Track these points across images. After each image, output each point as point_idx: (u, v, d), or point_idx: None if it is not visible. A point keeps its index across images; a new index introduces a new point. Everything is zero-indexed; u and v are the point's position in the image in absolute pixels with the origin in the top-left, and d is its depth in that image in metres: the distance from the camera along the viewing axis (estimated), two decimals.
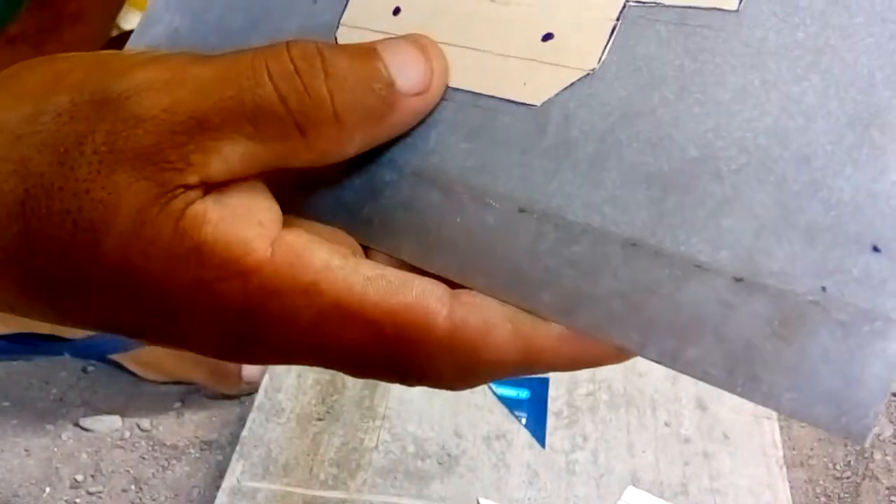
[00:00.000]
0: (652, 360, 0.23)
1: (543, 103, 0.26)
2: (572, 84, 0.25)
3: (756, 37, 0.23)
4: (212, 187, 0.24)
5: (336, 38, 0.30)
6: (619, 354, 0.24)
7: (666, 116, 0.24)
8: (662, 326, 0.23)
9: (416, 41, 0.26)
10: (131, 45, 0.35)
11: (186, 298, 0.23)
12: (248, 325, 0.24)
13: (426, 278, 0.25)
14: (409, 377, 0.25)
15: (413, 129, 0.27)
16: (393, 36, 0.26)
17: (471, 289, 0.25)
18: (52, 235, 0.24)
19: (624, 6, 0.25)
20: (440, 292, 0.25)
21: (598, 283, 0.24)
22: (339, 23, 0.30)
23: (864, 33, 0.22)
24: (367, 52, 0.25)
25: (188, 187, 0.23)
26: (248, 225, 0.24)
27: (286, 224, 0.25)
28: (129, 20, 1.38)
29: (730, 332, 0.22)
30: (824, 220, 0.21)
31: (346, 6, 0.30)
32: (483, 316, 0.24)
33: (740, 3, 0.24)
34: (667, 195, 0.23)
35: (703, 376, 0.23)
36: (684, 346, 0.22)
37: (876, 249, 0.20)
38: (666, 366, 0.23)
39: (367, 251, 0.28)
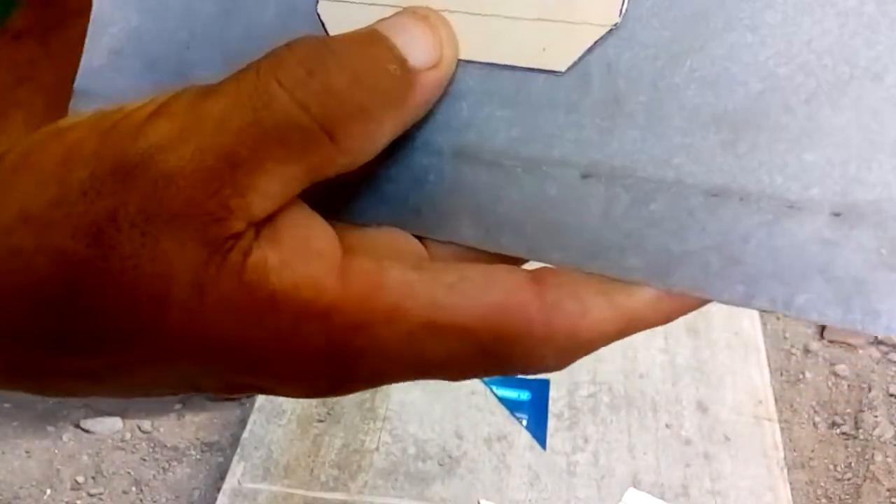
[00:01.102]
0: (763, 310, 0.22)
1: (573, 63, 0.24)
2: (597, 42, 0.24)
3: None
4: (261, 225, 0.23)
5: (319, 15, 0.28)
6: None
7: (718, 50, 0.22)
8: (766, 275, 0.22)
9: (415, 13, 0.25)
10: (88, 55, 0.33)
11: (268, 352, 0.22)
12: (338, 365, 0.23)
13: (506, 267, 0.24)
14: (511, 371, 0.24)
15: (439, 106, 0.26)
16: (381, 6, 0.25)
17: (546, 264, 0.24)
18: (105, 324, 0.22)
19: None
20: (525, 281, 0.23)
21: (686, 241, 0.22)
22: None
23: None
24: (370, 36, 0.24)
25: (238, 236, 0.22)
26: (310, 260, 0.22)
27: (340, 239, 0.24)
28: None
29: (837, 269, 0.21)
30: None
31: None
32: (575, 296, 0.23)
33: None
34: (739, 136, 0.22)
35: (820, 318, 0.22)
36: (794, 292, 0.21)
37: None
38: (779, 313, 0.22)
39: (423, 241, 0.26)
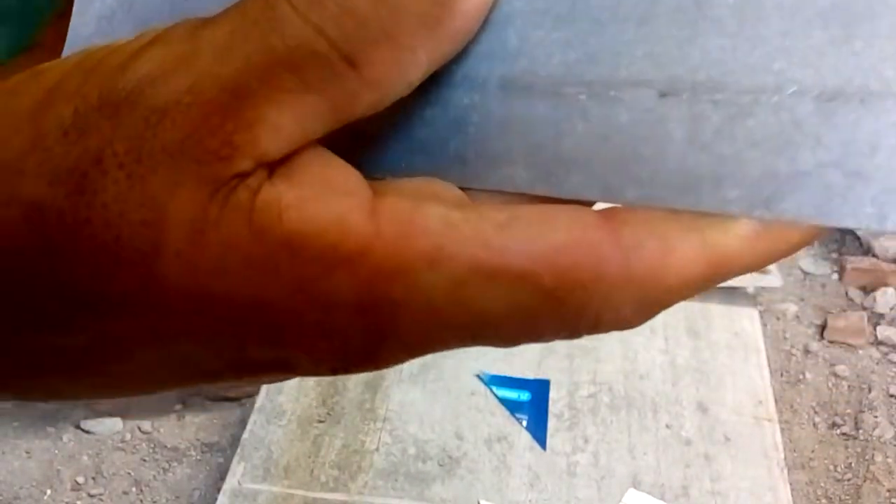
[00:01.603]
0: None
1: None
2: None
3: None
4: (274, 167, 0.19)
5: None
6: (820, 231, 0.20)
7: None
8: None
9: None
10: (76, 24, 0.30)
11: (285, 310, 0.19)
12: (373, 322, 0.19)
13: (568, 206, 0.20)
14: (582, 328, 0.20)
15: (481, 34, 0.22)
16: None
17: (623, 205, 0.21)
18: (86, 287, 0.20)
19: None
20: (595, 218, 0.20)
21: (798, 159, 0.19)
22: None
23: None
24: None
25: (245, 175, 0.19)
26: (336, 197, 0.19)
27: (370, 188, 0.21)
28: None
29: None
30: None
31: None
32: (656, 233, 0.20)
33: None
34: (852, 31, 0.19)
35: None
36: None
37: None
38: None
39: (466, 191, 0.23)
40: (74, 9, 0.32)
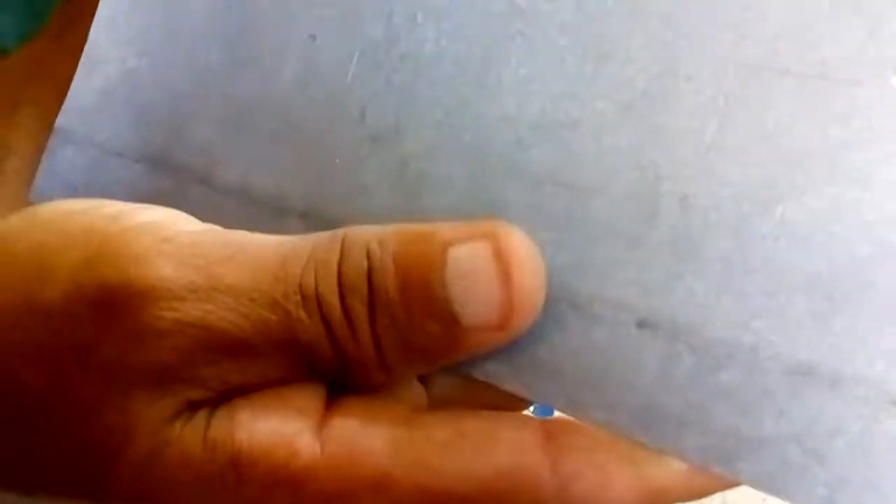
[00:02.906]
0: None
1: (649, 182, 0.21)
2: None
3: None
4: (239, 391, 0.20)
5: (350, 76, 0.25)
6: None
7: (818, 203, 0.19)
8: (858, 482, 0.18)
9: (494, 245, 0.20)
10: (75, 92, 0.30)
11: None
12: None
13: (513, 418, 0.20)
14: None
15: None
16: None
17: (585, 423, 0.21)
18: (49, 467, 0.20)
19: None
20: (536, 440, 0.20)
21: (761, 424, 0.19)
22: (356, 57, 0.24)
23: None
24: (424, 273, 0.19)
25: (215, 400, 0.20)
26: (285, 416, 0.19)
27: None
28: None
29: None
30: None
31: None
32: (596, 463, 0.20)
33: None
34: (835, 307, 0.19)
35: None
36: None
37: None
38: None
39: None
40: (78, 71, 0.31)
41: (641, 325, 0.20)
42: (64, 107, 0.30)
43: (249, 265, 0.19)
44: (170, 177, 0.27)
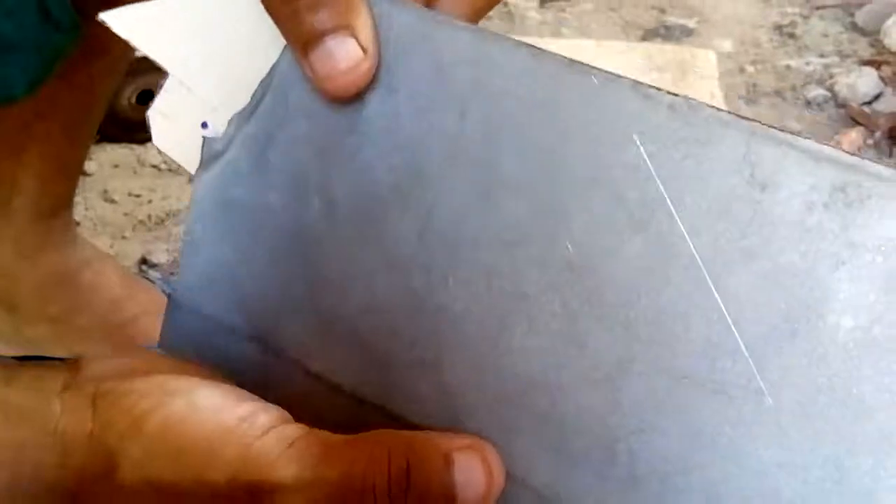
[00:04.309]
0: None
1: (610, 431, 0.27)
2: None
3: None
4: None
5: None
6: None
7: (713, 474, 0.25)
8: None
9: (481, 455, 0.29)
10: (186, 271, 0.36)
11: None
12: None
13: None
14: None
15: None
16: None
17: None
18: None
19: None
20: None
21: None
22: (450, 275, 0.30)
23: None
24: (439, 466, 0.28)
25: None
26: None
27: None
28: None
29: None
30: None
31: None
32: None
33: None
34: None
35: None
36: None
37: None
38: None
39: None
40: (183, 250, 0.36)
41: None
42: (179, 282, 0.36)
43: (339, 469, 0.28)
44: (272, 357, 0.34)
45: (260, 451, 0.28)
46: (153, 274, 0.85)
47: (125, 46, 0.38)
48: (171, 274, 0.85)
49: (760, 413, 0.24)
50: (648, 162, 0.25)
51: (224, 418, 0.29)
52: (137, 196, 0.95)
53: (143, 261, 0.87)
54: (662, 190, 0.25)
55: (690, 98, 0.25)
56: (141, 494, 0.28)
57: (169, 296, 0.35)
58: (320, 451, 0.28)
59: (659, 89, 0.26)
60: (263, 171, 0.32)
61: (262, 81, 0.32)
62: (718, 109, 0.25)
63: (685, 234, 0.25)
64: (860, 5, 1.25)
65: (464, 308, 0.29)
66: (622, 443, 0.26)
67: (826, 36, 1.23)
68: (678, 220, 0.25)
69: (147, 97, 1.28)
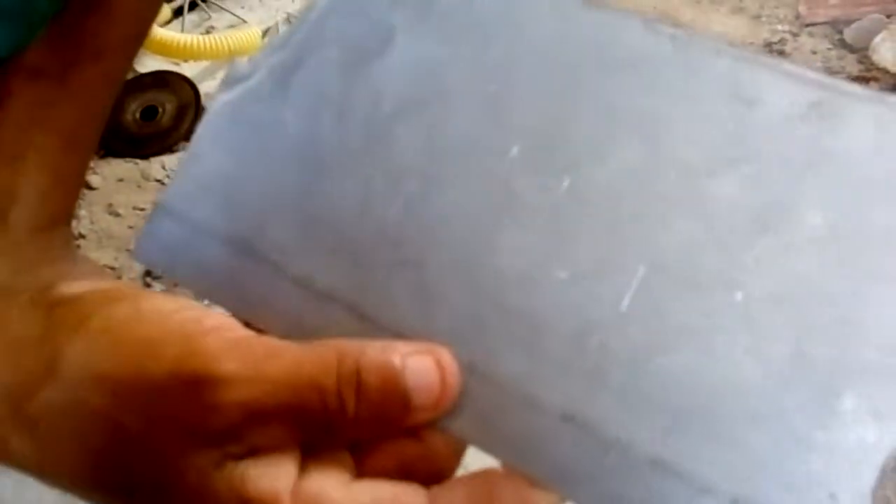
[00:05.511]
0: None
1: (585, 324, 0.28)
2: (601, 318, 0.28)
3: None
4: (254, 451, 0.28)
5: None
6: None
7: (683, 363, 0.27)
8: None
9: (435, 358, 0.29)
10: (181, 179, 0.37)
11: None
12: None
13: (453, 487, 0.28)
14: None
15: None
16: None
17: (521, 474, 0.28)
18: (136, 486, 0.29)
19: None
20: (474, 495, 0.27)
21: (632, 491, 0.27)
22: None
23: None
24: (393, 374, 0.28)
25: (243, 455, 0.28)
26: (277, 476, 0.28)
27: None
28: (144, 63, 1.44)
29: None
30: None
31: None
32: None
33: None
34: (685, 425, 0.26)
35: None
36: None
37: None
38: None
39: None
40: (184, 162, 0.37)
41: (565, 419, 0.28)
42: (170, 189, 0.37)
43: (284, 366, 0.28)
44: (250, 261, 0.34)
45: (203, 346, 0.28)
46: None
47: (117, 51, 0.38)
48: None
49: (731, 304, 0.26)
50: (649, 81, 0.29)
51: (169, 319, 0.29)
52: (142, 210, 0.97)
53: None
54: (658, 105, 0.29)
55: (691, 31, 0.30)
56: (82, 389, 0.29)
57: (155, 203, 0.36)
58: (266, 350, 0.28)
59: (664, 25, 0.30)
60: (284, 92, 0.34)
61: (300, 16, 0.35)
62: (713, 42, 0.29)
63: (675, 143, 0.28)
64: (849, 23, 1.28)
65: (457, 209, 0.31)
66: (595, 335, 0.28)
67: (815, 53, 1.26)
68: (671, 131, 0.28)
69: (151, 113, 1.31)
